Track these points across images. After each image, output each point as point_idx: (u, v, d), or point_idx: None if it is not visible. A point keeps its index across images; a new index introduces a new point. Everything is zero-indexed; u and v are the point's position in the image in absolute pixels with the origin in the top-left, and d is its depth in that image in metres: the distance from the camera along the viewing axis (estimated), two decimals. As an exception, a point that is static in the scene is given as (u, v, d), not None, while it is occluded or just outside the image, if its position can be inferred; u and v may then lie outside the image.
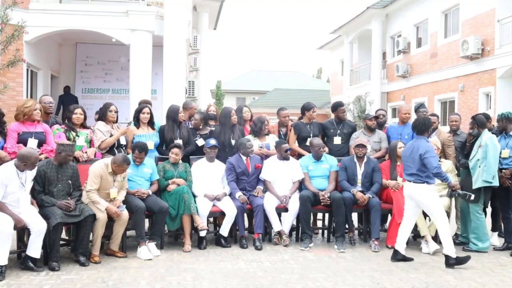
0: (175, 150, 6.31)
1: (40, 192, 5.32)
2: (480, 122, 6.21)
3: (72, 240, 5.80)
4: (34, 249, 5.03)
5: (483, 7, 15.32)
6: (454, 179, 6.35)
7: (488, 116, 6.70)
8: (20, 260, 5.30)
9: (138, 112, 6.66)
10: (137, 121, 6.66)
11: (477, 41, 15.17)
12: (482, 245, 6.05)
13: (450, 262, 5.35)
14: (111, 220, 5.59)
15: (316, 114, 7.24)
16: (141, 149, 5.96)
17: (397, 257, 5.59)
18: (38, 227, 5.01)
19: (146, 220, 6.09)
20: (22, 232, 5.40)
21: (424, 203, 5.52)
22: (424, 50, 19.10)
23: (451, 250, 5.35)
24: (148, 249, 5.74)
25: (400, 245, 5.61)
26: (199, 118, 7.14)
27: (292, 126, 7.23)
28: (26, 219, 4.99)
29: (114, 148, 6.33)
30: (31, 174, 5.16)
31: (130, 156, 5.99)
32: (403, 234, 5.64)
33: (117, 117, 6.56)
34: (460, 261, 5.35)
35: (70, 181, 5.47)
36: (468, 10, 16.17)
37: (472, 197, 5.55)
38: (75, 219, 5.28)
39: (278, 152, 6.65)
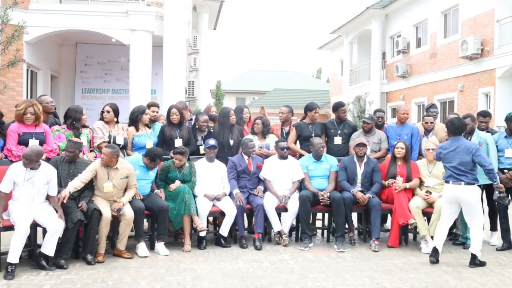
0: (178, 156, 6.25)
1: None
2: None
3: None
4: (49, 248, 5.10)
5: (483, 7, 15.34)
6: None
7: (488, 113, 6.77)
8: (21, 260, 5.30)
9: (141, 113, 6.64)
10: (136, 122, 6.63)
11: (477, 41, 15.18)
12: None
13: (476, 262, 5.43)
14: (115, 219, 5.62)
15: (318, 115, 7.24)
16: (154, 157, 5.93)
17: (437, 256, 5.57)
18: (54, 226, 5.08)
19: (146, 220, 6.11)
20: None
21: (471, 203, 5.48)
22: (423, 50, 19.12)
23: (479, 251, 5.44)
24: (157, 249, 5.84)
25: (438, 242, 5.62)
26: (205, 120, 7.06)
27: (294, 126, 7.24)
28: (43, 219, 5.09)
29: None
30: (44, 173, 5.16)
31: (132, 158, 6.06)
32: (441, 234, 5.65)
33: (117, 117, 6.54)
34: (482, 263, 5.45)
35: None
36: (468, 10, 16.19)
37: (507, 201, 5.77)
38: (87, 219, 5.40)
39: (277, 151, 6.67)
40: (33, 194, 5.14)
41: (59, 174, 5.47)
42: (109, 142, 6.19)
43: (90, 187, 5.63)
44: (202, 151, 6.80)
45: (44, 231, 5.15)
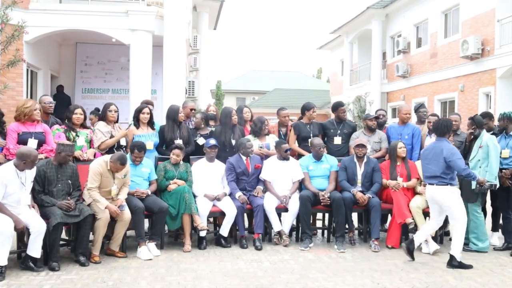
0: (176, 151, 6.30)
1: (40, 192, 5.31)
2: (478, 123, 6.22)
3: (72, 240, 5.80)
4: (34, 249, 5.03)
5: (483, 7, 15.32)
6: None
7: (491, 114, 6.71)
8: (20, 260, 5.30)
9: (138, 112, 6.66)
10: (137, 121, 6.67)
11: (477, 41, 15.16)
12: (482, 245, 6.06)
13: (453, 264, 5.36)
14: (113, 220, 5.59)
15: (316, 114, 7.23)
16: (140, 148, 5.95)
17: (410, 247, 5.60)
18: (37, 227, 5.00)
19: (146, 220, 6.09)
20: (22, 233, 5.39)
21: (448, 205, 5.49)
22: (424, 50, 19.09)
23: (458, 253, 5.37)
24: (148, 249, 5.74)
25: (419, 238, 5.66)
26: (200, 117, 7.12)
27: (292, 126, 7.22)
28: (26, 220, 4.98)
29: (114, 149, 6.32)
30: (31, 173, 5.15)
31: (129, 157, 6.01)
32: (426, 231, 5.73)
33: (117, 117, 6.56)
34: (462, 266, 5.36)
35: (69, 181, 5.48)
36: (468, 10, 16.17)
37: (498, 186, 5.87)
38: (75, 219, 5.28)
39: (278, 152, 6.65)
40: (23, 196, 5.07)
41: (48, 179, 5.34)
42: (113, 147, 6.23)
43: (77, 187, 5.58)
44: (200, 143, 6.81)
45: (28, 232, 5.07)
